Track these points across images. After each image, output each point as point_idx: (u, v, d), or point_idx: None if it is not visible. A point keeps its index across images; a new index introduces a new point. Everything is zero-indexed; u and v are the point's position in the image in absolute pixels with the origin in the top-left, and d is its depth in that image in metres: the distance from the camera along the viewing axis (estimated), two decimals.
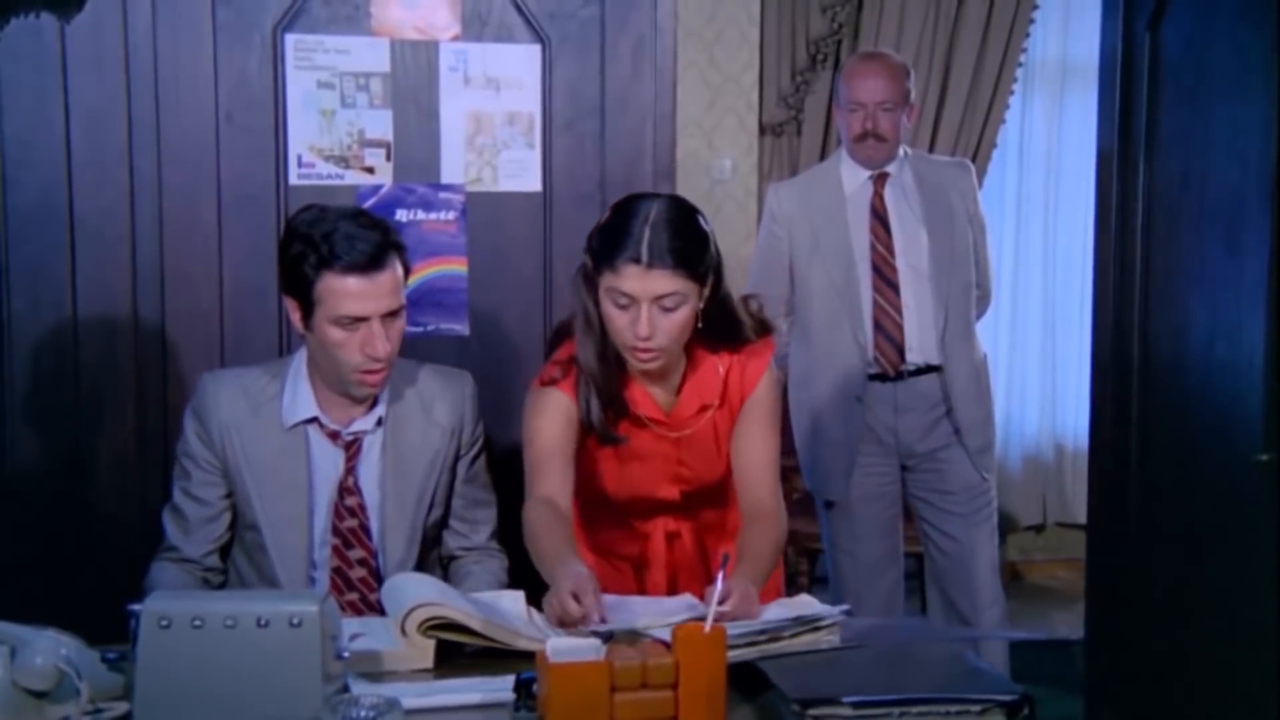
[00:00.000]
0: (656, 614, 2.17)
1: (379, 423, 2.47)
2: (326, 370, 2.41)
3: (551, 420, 2.37)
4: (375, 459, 2.47)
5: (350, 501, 2.45)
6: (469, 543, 2.57)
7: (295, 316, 2.39)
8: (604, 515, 2.55)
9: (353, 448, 2.46)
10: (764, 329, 2.46)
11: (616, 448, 2.44)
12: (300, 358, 2.48)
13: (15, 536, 2.75)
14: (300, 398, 2.45)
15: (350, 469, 2.45)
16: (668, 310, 2.27)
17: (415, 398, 2.51)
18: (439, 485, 2.51)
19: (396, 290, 2.36)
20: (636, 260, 2.23)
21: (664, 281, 2.24)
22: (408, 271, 2.41)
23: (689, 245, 2.26)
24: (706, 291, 2.32)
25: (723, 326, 2.39)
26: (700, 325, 2.34)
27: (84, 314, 2.79)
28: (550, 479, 2.35)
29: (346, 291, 2.31)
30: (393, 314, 2.36)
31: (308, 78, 2.85)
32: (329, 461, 2.46)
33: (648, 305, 2.25)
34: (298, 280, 2.34)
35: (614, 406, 2.39)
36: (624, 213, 2.29)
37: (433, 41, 2.90)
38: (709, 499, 2.54)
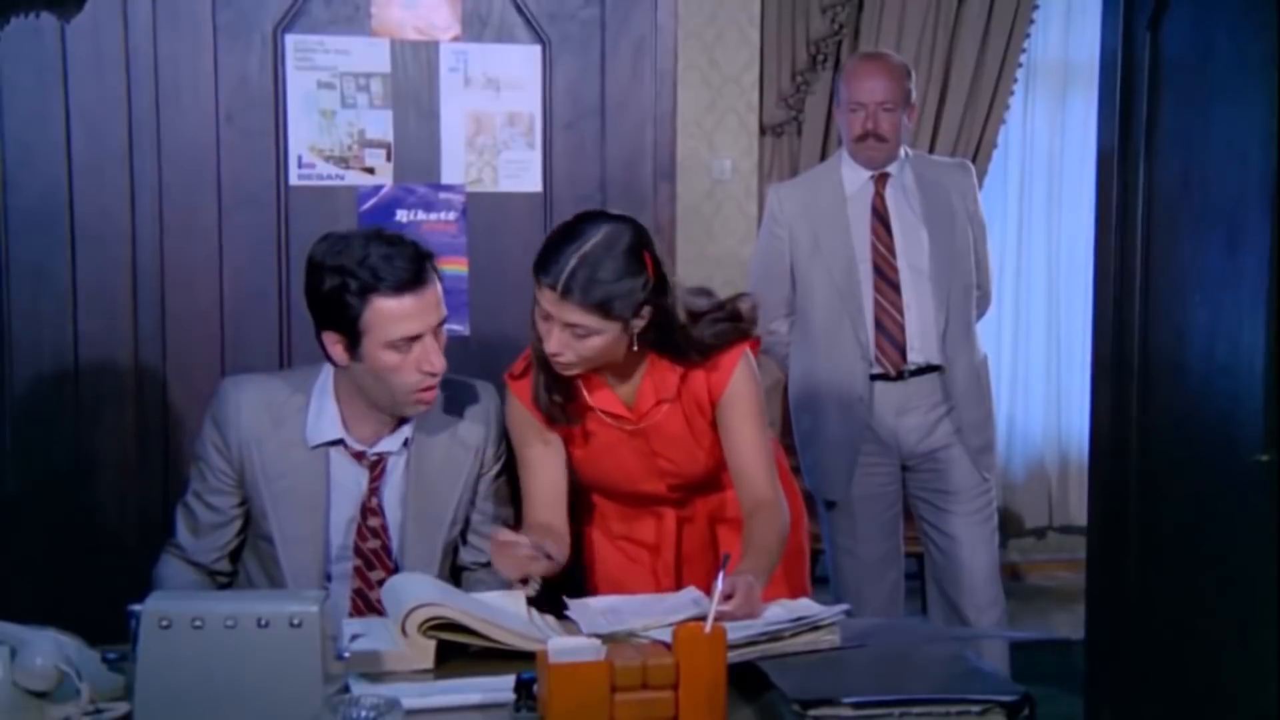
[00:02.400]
0: (660, 612, 2.17)
1: (405, 443, 2.43)
2: (379, 396, 2.35)
3: (522, 428, 2.47)
4: (399, 479, 2.43)
5: (373, 522, 2.42)
6: (483, 558, 2.51)
7: (338, 350, 2.31)
8: (616, 503, 2.58)
9: (377, 468, 2.42)
10: (735, 336, 2.43)
11: (586, 445, 2.48)
12: (327, 374, 2.42)
13: (16, 537, 2.75)
14: (326, 418, 2.41)
15: (374, 489, 2.42)
16: (579, 337, 2.28)
17: (441, 416, 2.46)
18: (461, 504, 2.48)
19: (441, 301, 2.32)
20: (553, 287, 2.25)
21: (573, 314, 2.26)
22: (440, 279, 2.36)
23: (610, 287, 2.25)
24: (640, 322, 2.32)
25: (668, 348, 2.39)
26: (649, 340, 2.36)
27: (84, 315, 2.78)
28: (535, 502, 2.48)
29: (399, 313, 2.25)
30: (439, 326, 2.33)
31: (308, 78, 2.85)
32: (351, 480, 2.42)
33: (560, 327, 2.28)
34: (340, 312, 2.27)
35: (562, 395, 2.43)
36: (569, 230, 2.30)
37: (433, 42, 2.90)
38: (704, 491, 2.56)
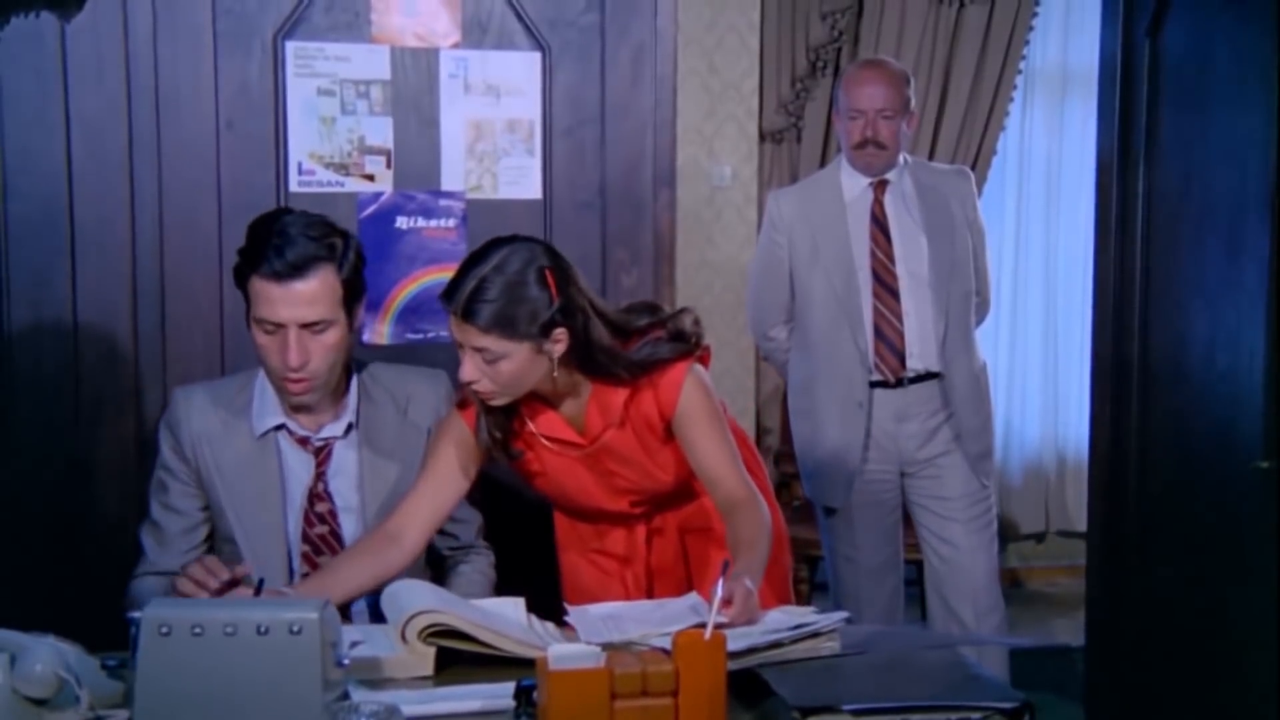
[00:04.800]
0: (660, 620, 2.17)
1: (349, 428, 2.47)
2: (266, 373, 2.42)
3: (440, 445, 2.42)
4: (351, 465, 2.46)
5: (321, 508, 2.45)
6: (456, 542, 2.57)
7: (245, 311, 2.40)
8: (587, 518, 2.57)
9: (323, 453, 2.46)
10: (674, 354, 2.40)
11: (544, 470, 2.46)
12: None
13: (16, 543, 2.75)
14: (268, 405, 2.45)
15: (320, 475, 2.45)
16: (490, 362, 2.27)
17: (389, 400, 2.51)
18: None
19: (318, 303, 2.32)
20: (455, 312, 2.25)
21: (477, 337, 2.25)
22: (353, 288, 2.38)
23: (509, 309, 2.24)
24: (557, 346, 2.30)
25: (593, 370, 2.37)
26: (573, 363, 2.34)
27: (84, 321, 2.79)
28: (407, 507, 2.39)
29: (265, 296, 2.31)
30: (313, 326, 2.33)
31: (308, 85, 2.85)
32: (302, 468, 2.45)
33: (469, 353, 2.27)
34: (238, 276, 2.37)
35: (502, 428, 2.41)
36: (474, 256, 2.30)
37: (433, 49, 2.90)
38: (673, 504, 2.55)
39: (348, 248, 2.38)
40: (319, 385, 2.39)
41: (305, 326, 2.32)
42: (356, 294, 2.40)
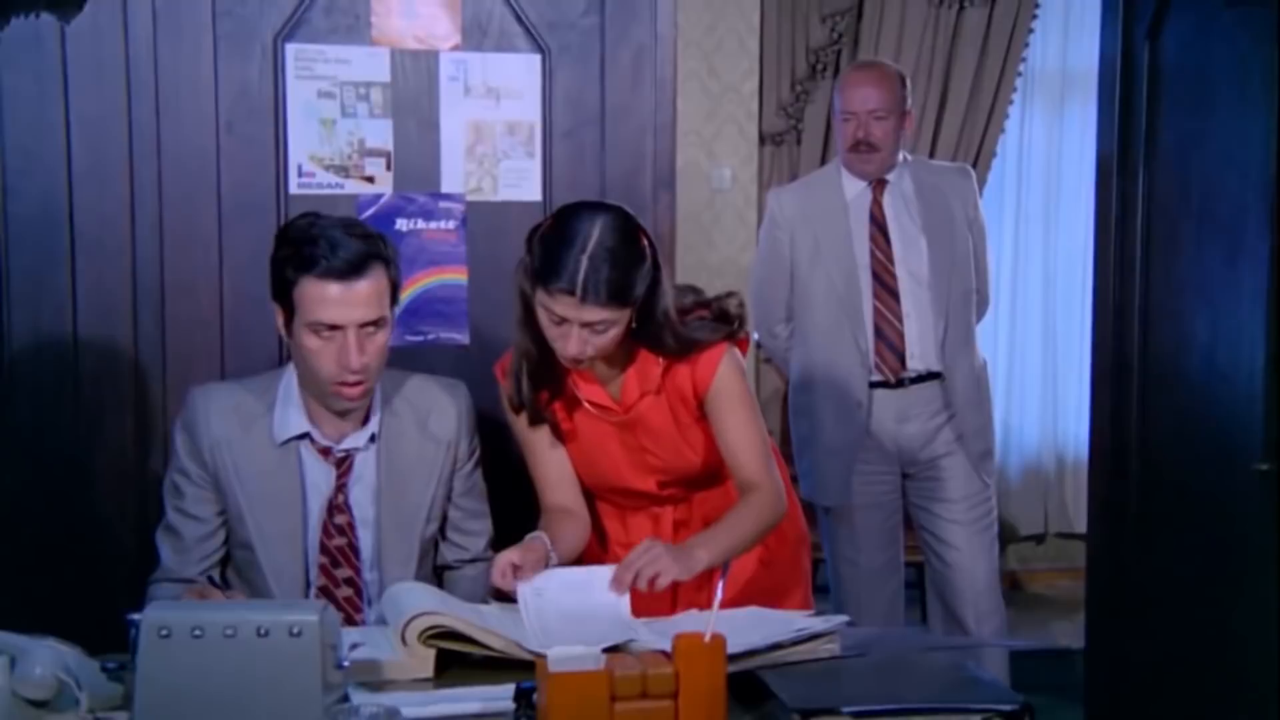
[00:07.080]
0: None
1: (372, 439, 2.45)
2: (309, 381, 2.38)
3: (521, 423, 2.51)
4: (370, 477, 2.44)
5: (339, 520, 2.43)
6: (466, 554, 2.55)
7: (279, 322, 2.36)
8: (611, 503, 2.59)
9: (344, 464, 2.43)
10: (719, 335, 2.45)
11: (576, 441, 2.50)
12: (291, 371, 2.45)
13: (15, 545, 2.75)
14: (291, 413, 2.42)
15: (341, 486, 2.43)
16: (599, 332, 2.30)
17: (409, 412, 2.48)
18: (435, 500, 2.49)
19: (374, 302, 2.31)
20: (570, 293, 2.25)
21: (596, 313, 2.27)
22: (396, 288, 2.37)
23: (625, 277, 2.28)
24: (640, 304, 2.34)
25: (648, 333, 2.39)
26: (633, 326, 2.37)
27: (84, 323, 2.78)
28: (548, 485, 2.53)
29: (322, 297, 2.28)
30: (370, 326, 2.31)
31: (308, 87, 2.85)
32: (322, 478, 2.43)
33: (579, 327, 2.28)
34: (280, 284, 2.33)
35: (549, 390, 2.45)
36: (564, 233, 2.29)
37: (433, 51, 2.90)
38: (700, 487, 2.56)
39: (387, 245, 2.38)
40: (371, 388, 2.38)
41: (362, 327, 2.30)
42: (397, 294, 2.40)
